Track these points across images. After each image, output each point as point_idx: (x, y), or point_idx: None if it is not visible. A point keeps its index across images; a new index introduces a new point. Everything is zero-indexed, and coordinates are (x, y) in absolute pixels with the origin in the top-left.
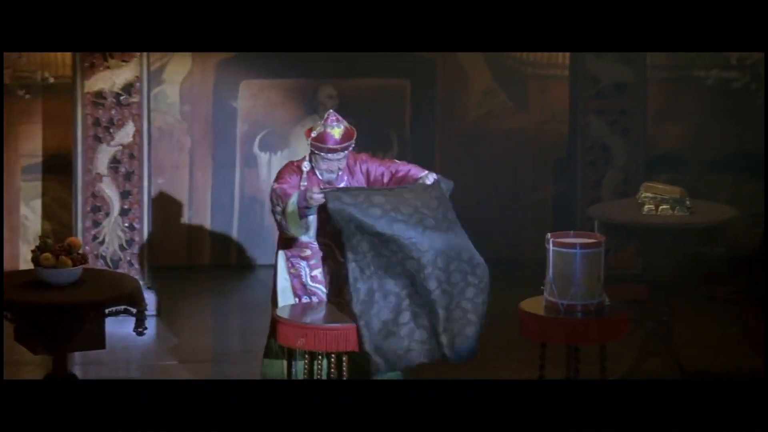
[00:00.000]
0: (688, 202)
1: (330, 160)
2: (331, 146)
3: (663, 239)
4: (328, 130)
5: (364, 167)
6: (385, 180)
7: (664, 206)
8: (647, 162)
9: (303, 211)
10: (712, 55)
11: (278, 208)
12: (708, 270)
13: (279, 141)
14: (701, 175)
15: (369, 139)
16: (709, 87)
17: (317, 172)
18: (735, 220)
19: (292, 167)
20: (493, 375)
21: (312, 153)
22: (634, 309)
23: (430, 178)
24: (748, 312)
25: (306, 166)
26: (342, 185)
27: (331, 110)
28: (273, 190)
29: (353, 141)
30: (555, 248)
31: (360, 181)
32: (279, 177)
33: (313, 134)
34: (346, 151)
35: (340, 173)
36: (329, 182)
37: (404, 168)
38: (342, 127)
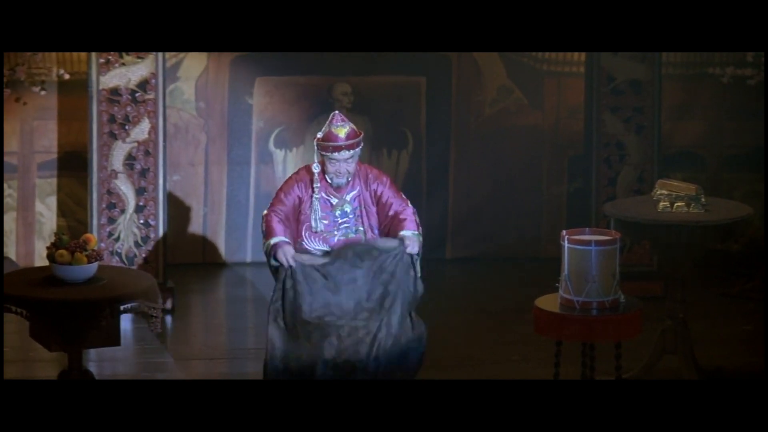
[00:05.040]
0: (703, 200)
1: (337, 161)
2: (335, 144)
3: (678, 236)
4: (333, 129)
5: (380, 189)
6: (390, 213)
7: (680, 203)
8: (662, 159)
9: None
10: (728, 52)
11: (262, 231)
12: (723, 267)
13: (294, 138)
14: (716, 173)
15: (384, 137)
16: (725, 84)
17: (326, 177)
18: (750, 218)
19: (298, 177)
20: (507, 372)
21: (321, 156)
22: (650, 306)
23: (417, 237)
24: (763, 309)
25: (316, 167)
26: (353, 193)
27: (336, 111)
28: (264, 217)
29: (360, 141)
30: (570, 245)
31: (369, 197)
32: (279, 191)
33: (319, 135)
34: (351, 151)
35: (350, 179)
36: (338, 187)
37: (406, 214)
38: (347, 127)
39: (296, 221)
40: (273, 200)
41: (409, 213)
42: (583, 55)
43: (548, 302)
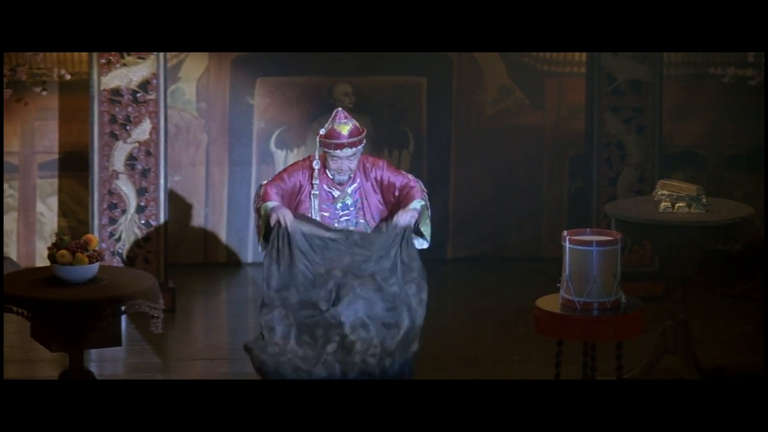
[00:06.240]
0: (704, 200)
1: (339, 158)
2: (338, 142)
3: (679, 237)
4: (336, 126)
5: (378, 174)
6: (396, 193)
7: (681, 204)
8: (663, 159)
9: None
10: (729, 52)
11: (255, 205)
12: (724, 267)
13: (295, 138)
14: (717, 173)
15: (385, 137)
16: (726, 84)
17: (328, 173)
18: (751, 218)
19: (304, 164)
20: (508, 372)
21: (323, 153)
22: (651, 306)
23: (414, 206)
24: (763, 309)
25: (316, 164)
26: (353, 186)
27: (339, 108)
28: (262, 186)
29: (362, 139)
30: (571, 246)
31: (371, 187)
32: (283, 171)
33: (322, 131)
34: (354, 149)
35: (352, 175)
36: (340, 183)
37: (408, 186)
38: (350, 124)
39: (291, 204)
40: (274, 177)
41: (412, 184)
42: (584, 55)
43: (549, 302)
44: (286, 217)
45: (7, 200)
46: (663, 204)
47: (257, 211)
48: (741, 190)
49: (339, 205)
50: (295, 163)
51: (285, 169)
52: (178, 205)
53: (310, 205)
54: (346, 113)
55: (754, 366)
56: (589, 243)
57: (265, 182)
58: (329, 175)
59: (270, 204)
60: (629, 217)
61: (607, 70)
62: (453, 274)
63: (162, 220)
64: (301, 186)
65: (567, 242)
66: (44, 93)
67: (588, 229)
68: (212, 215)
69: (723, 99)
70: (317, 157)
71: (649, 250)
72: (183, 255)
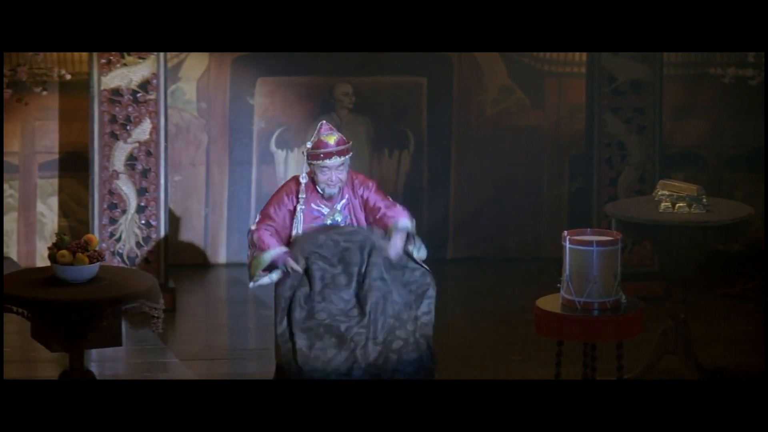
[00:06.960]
0: (704, 200)
1: (328, 168)
2: (327, 150)
3: (679, 237)
4: (323, 137)
5: (366, 194)
6: (377, 216)
7: (681, 204)
8: (663, 160)
9: (273, 267)
10: (729, 52)
11: (249, 251)
12: (724, 267)
13: (295, 138)
14: (718, 173)
15: (385, 137)
16: (726, 84)
17: (318, 188)
18: (751, 218)
19: (288, 188)
20: (508, 372)
21: (311, 167)
22: (651, 306)
23: (401, 225)
24: (763, 309)
25: (304, 178)
26: (342, 202)
27: (323, 121)
28: (251, 233)
29: (349, 148)
30: (571, 246)
31: (357, 204)
32: (269, 206)
33: (308, 144)
34: (342, 158)
35: (342, 187)
36: (329, 199)
37: (393, 212)
38: (336, 135)
39: (288, 235)
40: (261, 217)
41: (398, 210)
42: (584, 55)
43: (549, 302)
44: (293, 263)
45: (7, 200)
46: (663, 204)
47: (251, 262)
48: (741, 190)
49: (329, 221)
50: (278, 192)
51: (269, 203)
52: (178, 205)
53: (298, 222)
54: (330, 125)
55: (754, 366)
56: (589, 243)
57: (253, 227)
58: (319, 189)
59: (276, 251)
60: (629, 217)
61: (607, 70)
62: (453, 274)
63: (162, 220)
64: (292, 212)
65: (567, 242)
66: (44, 93)
67: (588, 229)
68: (212, 215)
69: (723, 99)
70: (305, 173)
71: (650, 250)
72: (183, 255)
